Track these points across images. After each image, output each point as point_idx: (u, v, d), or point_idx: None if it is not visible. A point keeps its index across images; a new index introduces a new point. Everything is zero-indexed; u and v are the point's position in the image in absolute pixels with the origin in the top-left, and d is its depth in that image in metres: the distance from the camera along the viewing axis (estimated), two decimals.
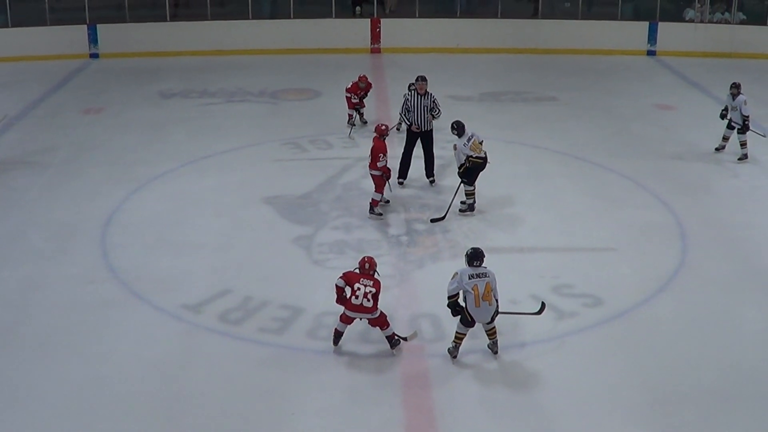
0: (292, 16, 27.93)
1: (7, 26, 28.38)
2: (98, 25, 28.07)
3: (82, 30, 28.09)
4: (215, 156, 17.52)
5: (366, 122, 19.23)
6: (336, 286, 10.88)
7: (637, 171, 16.61)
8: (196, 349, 11.10)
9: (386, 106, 20.91)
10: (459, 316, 10.70)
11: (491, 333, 10.79)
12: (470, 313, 10.54)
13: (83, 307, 12.10)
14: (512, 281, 12.34)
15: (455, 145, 14.64)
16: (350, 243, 13.67)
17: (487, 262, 11.36)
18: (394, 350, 10.91)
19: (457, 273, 10.79)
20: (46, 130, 20.07)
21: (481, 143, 14.72)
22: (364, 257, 11.11)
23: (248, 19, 27.91)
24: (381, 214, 14.53)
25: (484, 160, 14.69)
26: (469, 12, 29.11)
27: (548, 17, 28.31)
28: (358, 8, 28.66)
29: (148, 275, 12.83)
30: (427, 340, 11.12)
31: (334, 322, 11.27)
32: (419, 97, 15.80)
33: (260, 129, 19.41)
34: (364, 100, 19.18)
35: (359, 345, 11.03)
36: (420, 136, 15.99)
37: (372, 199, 14.56)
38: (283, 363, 10.74)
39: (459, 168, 14.67)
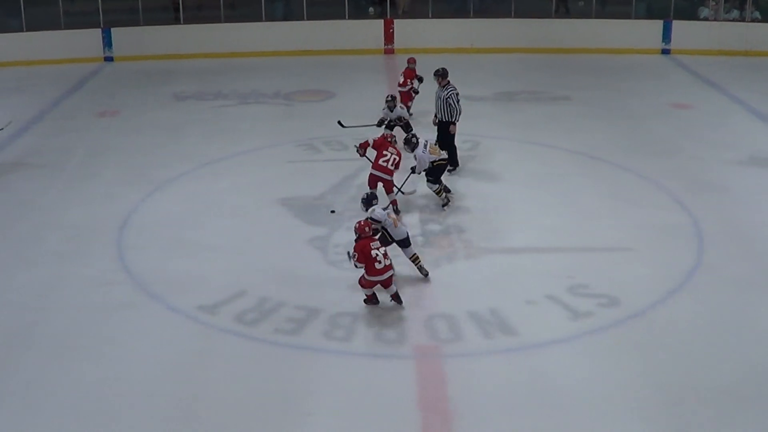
0: (305, 18, 27.96)
1: (21, 30, 28.49)
2: (112, 29, 28.19)
3: (96, 33, 28.20)
4: (230, 158, 17.54)
5: (411, 114, 19.27)
6: (355, 264, 11.63)
7: (653, 170, 16.52)
8: (212, 350, 11.10)
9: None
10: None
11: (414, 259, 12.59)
12: (391, 233, 12.49)
13: (99, 309, 12.12)
14: (528, 281, 12.38)
15: (415, 156, 14.87)
16: None
17: (503, 262, 11.42)
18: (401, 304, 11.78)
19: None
20: (61, 133, 20.12)
21: (435, 145, 15.20)
22: (357, 223, 11.87)
23: (261, 21, 27.97)
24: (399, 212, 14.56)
25: (446, 160, 15.14)
26: (483, 12, 29.07)
27: (562, 16, 28.25)
28: (371, 9, 28.67)
29: (164, 277, 12.84)
30: (443, 341, 11.09)
31: (350, 322, 11.37)
32: (438, 89, 16.49)
33: (274, 131, 19.42)
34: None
35: (375, 345, 11.03)
36: (438, 127, 16.48)
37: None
38: (299, 364, 10.72)
39: (419, 172, 15.05)
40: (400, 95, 19.08)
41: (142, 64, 27.28)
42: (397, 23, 27.72)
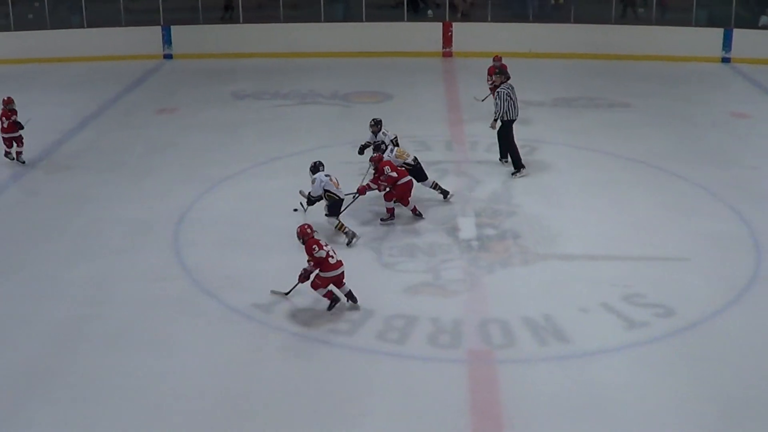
0: (364, 19, 28.00)
1: (82, 26, 28.84)
2: (172, 27, 28.47)
3: (156, 31, 28.49)
4: (286, 157, 17.61)
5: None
6: (306, 272, 11.78)
7: (711, 180, 16.33)
8: (266, 348, 11.18)
9: (458, 109, 20.87)
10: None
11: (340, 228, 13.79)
12: (336, 194, 13.87)
13: (155, 304, 12.26)
14: (583, 289, 12.31)
15: (385, 159, 14.94)
16: (420, 246, 13.67)
17: (558, 269, 11.35)
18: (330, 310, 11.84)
19: (316, 179, 14.00)
20: (120, 129, 20.35)
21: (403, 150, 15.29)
22: (298, 229, 12.00)
23: (321, 21, 28.05)
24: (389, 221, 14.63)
25: (414, 165, 15.17)
26: (542, 17, 28.94)
27: (622, 23, 28.01)
28: (430, 12, 28.66)
29: (219, 274, 12.94)
30: (496, 346, 11.05)
31: (404, 325, 11.38)
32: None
33: (331, 131, 19.50)
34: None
35: (429, 348, 11.00)
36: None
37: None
38: (353, 365, 10.76)
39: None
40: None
41: (201, 62, 27.50)
42: (456, 26, 27.66)
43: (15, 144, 17.62)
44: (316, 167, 14.41)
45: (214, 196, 15.82)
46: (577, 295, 12.17)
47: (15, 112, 17.48)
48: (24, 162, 17.67)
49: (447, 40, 27.58)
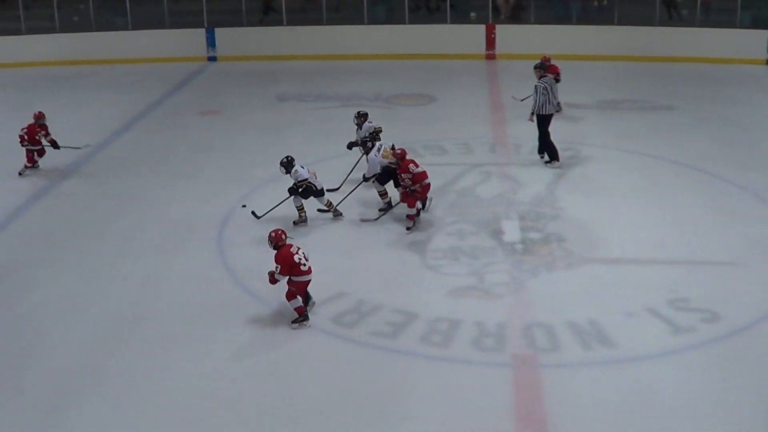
0: (407, 22, 27.99)
1: (127, 29, 29.09)
2: (216, 29, 28.63)
3: (200, 33, 28.71)
4: (330, 159, 17.59)
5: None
6: (274, 277, 11.53)
7: (758, 184, 16.13)
8: (310, 350, 11.20)
9: (501, 112, 20.80)
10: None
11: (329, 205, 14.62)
12: (315, 184, 14.41)
13: (199, 304, 12.35)
14: (628, 293, 12.21)
15: (368, 159, 15.23)
16: (464, 249, 13.61)
17: (603, 273, 11.32)
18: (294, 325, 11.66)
19: (298, 170, 14.45)
20: (165, 130, 20.49)
21: (391, 148, 14.94)
22: (272, 234, 11.70)
23: (364, 24, 28.08)
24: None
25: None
26: (585, 18, 28.78)
27: (665, 25, 27.79)
28: (473, 14, 28.59)
29: (262, 275, 12.90)
30: (541, 350, 10.99)
31: (447, 328, 11.34)
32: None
33: None
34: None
35: (472, 352, 10.96)
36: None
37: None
38: (396, 367, 10.75)
39: (368, 176, 15.15)
40: None
41: (244, 65, 27.66)
42: (499, 29, 27.56)
43: (36, 156, 17.56)
44: (290, 163, 14.69)
45: (259, 196, 15.84)
46: (623, 299, 12.07)
47: (45, 128, 17.38)
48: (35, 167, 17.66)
49: (490, 42, 27.50)
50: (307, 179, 14.47)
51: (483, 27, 27.73)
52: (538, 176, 16.47)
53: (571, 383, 10.37)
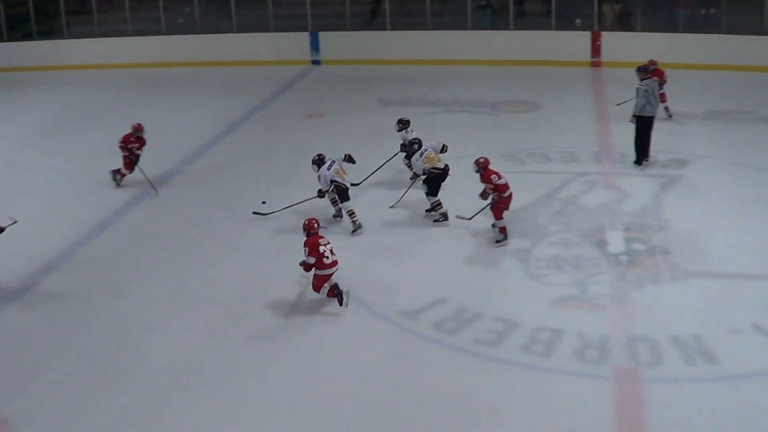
0: (511, 27, 27.85)
1: (232, 32, 29.47)
2: (320, 33, 28.84)
3: (304, 37, 28.96)
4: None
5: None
6: (306, 263, 12.16)
7: None
8: (410, 355, 11.22)
9: (607, 120, 20.57)
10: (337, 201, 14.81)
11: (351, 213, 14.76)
12: (343, 183, 14.64)
13: (302, 306, 12.49)
14: (734, 309, 11.96)
15: (412, 161, 15.55)
16: (568, 259, 13.48)
17: (709, 287, 11.23)
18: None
19: (320, 176, 14.72)
20: (268, 132, 20.70)
21: (440, 152, 15.29)
22: (306, 221, 12.40)
23: (468, 29, 28.01)
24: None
25: (443, 170, 15.06)
26: (693, 26, 28.26)
27: None
28: (578, 20, 28.32)
29: (366, 279, 13.04)
30: (644, 364, 10.83)
31: (550, 338, 11.26)
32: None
33: (478, 140, 19.32)
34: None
35: (574, 363, 10.87)
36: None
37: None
38: (496, 376, 10.71)
39: (419, 175, 15.27)
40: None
41: (348, 68, 27.81)
42: (605, 36, 27.20)
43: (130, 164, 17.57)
44: (321, 160, 14.96)
45: (359, 201, 15.89)
46: (728, 314, 11.83)
47: (142, 141, 17.40)
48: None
49: (595, 49, 27.18)
50: (332, 182, 14.83)
51: (588, 34, 27.38)
52: (643, 186, 16.22)
53: (673, 399, 10.18)
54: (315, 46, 28.96)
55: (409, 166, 16.57)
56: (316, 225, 12.37)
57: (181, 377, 10.89)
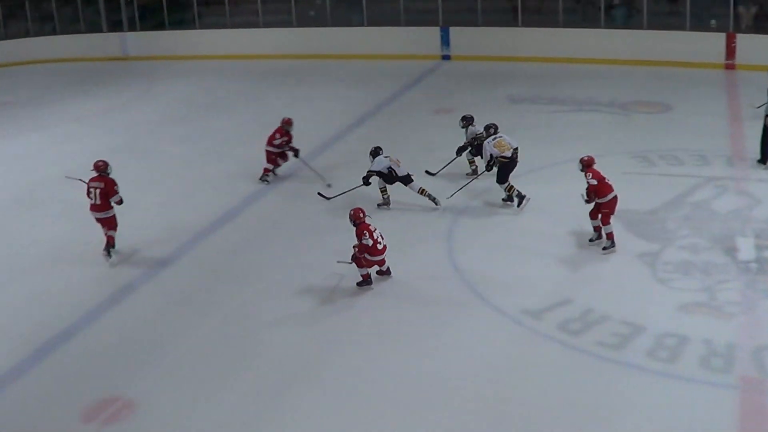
0: (644, 27, 27.46)
1: (362, 25, 29.74)
2: (451, 28, 28.86)
3: (435, 32, 29.04)
4: (560, 164, 17.47)
5: None
6: (364, 245, 12.64)
7: None
8: (533, 355, 11.21)
9: (740, 124, 20.17)
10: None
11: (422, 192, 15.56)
12: (395, 170, 15.57)
13: (424, 301, 12.57)
14: None
15: (484, 145, 15.74)
16: (697, 264, 13.24)
17: None
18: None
19: (373, 164, 15.68)
20: (396, 127, 20.85)
21: (510, 144, 15.53)
22: (352, 211, 12.90)
23: (600, 27, 27.72)
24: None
25: (511, 159, 15.38)
26: None
27: None
28: (713, 21, 27.77)
29: (490, 277, 13.06)
30: None
31: (676, 344, 11.11)
32: None
33: (608, 140, 19.19)
34: None
35: (699, 371, 10.67)
36: None
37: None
38: (619, 380, 10.62)
39: (486, 164, 15.70)
40: None
41: (477, 64, 27.81)
42: (740, 38, 26.59)
43: (279, 160, 17.86)
44: (376, 152, 15.85)
45: (488, 199, 15.93)
46: None
47: (290, 136, 17.68)
48: (267, 181, 17.88)
49: (730, 51, 26.61)
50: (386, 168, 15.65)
51: (723, 35, 26.79)
52: None
53: None
54: (445, 41, 29.05)
55: (471, 162, 17.20)
56: (362, 214, 12.83)
57: (300, 371, 11.06)
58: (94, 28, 33.82)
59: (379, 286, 13.04)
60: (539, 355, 11.21)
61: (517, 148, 15.52)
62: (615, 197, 13.76)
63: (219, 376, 11.06)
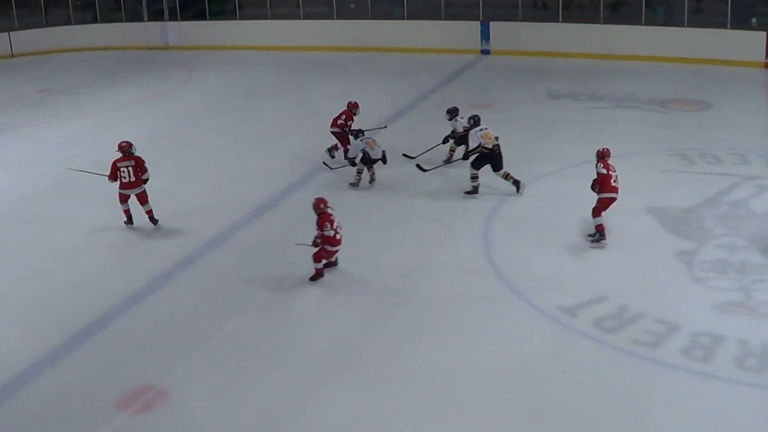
0: (685, 24, 27.31)
1: (403, 18, 29.78)
2: (491, 23, 28.84)
3: (474, 26, 29.06)
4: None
5: None
6: (326, 236, 12.80)
7: None
8: (568, 352, 11.22)
9: None
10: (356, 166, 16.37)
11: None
12: (370, 153, 16.20)
13: (460, 296, 12.59)
14: None
15: (470, 134, 16.19)
16: (733, 264, 13.19)
17: None
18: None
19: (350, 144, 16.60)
20: (435, 120, 20.75)
21: (496, 137, 15.88)
22: (315, 201, 13.01)
23: (641, 24, 27.59)
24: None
25: (492, 150, 15.76)
26: None
27: None
28: (754, 20, 27.56)
29: (526, 273, 13.08)
30: None
31: (711, 343, 11.10)
32: None
33: (647, 137, 19.16)
34: None
35: (735, 371, 10.65)
36: None
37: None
38: (653, 378, 10.60)
39: (467, 151, 16.21)
40: None
41: (517, 59, 27.80)
42: None
43: (340, 144, 18.02)
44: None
45: (526, 194, 15.94)
46: None
47: (352, 119, 17.95)
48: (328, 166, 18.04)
49: None
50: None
51: (764, 34, 26.60)
52: None
53: None
54: (485, 35, 29.03)
55: (452, 150, 17.79)
56: (322, 206, 12.97)
57: (334, 363, 11.13)
58: (134, 17, 34.05)
59: (414, 280, 13.08)
60: (574, 352, 11.22)
61: (498, 144, 15.86)
62: (613, 199, 13.88)
63: (252, 367, 11.13)
